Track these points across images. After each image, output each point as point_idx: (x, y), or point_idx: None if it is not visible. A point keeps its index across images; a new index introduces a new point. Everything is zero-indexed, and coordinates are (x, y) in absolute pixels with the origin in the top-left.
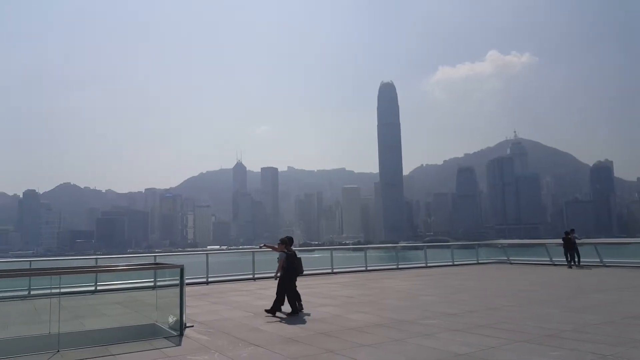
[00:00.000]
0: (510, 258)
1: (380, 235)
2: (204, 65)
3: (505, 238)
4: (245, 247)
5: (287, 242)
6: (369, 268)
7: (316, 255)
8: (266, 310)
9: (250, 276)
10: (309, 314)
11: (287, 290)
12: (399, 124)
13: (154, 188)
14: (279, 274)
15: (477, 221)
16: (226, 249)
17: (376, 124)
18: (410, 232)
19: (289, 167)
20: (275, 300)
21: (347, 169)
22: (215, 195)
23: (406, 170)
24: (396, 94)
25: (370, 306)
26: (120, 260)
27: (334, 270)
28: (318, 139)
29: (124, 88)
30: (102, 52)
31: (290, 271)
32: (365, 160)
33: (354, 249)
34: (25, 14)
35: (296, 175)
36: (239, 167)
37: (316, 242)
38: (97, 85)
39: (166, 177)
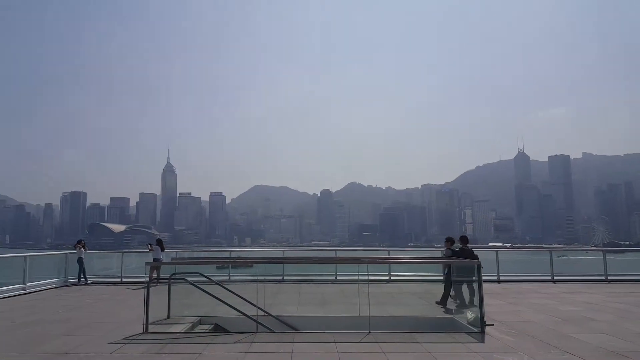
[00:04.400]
0: None
1: None
2: (488, 46)
3: None
4: (536, 245)
5: (452, 240)
6: None
7: (628, 257)
8: (437, 303)
9: (549, 278)
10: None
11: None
12: None
13: (429, 184)
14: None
15: None
16: (510, 247)
17: None
18: None
19: (584, 153)
20: (443, 294)
21: None
22: (495, 189)
23: None
24: None
25: None
26: (405, 253)
27: None
28: (628, 116)
29: (396, 91)
30: (383, 61)
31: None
32: None
33: None
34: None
35: (595, 162)
36: (521, 157)
37: (627, 242)
38: (377, 96)
39: (441, 172)
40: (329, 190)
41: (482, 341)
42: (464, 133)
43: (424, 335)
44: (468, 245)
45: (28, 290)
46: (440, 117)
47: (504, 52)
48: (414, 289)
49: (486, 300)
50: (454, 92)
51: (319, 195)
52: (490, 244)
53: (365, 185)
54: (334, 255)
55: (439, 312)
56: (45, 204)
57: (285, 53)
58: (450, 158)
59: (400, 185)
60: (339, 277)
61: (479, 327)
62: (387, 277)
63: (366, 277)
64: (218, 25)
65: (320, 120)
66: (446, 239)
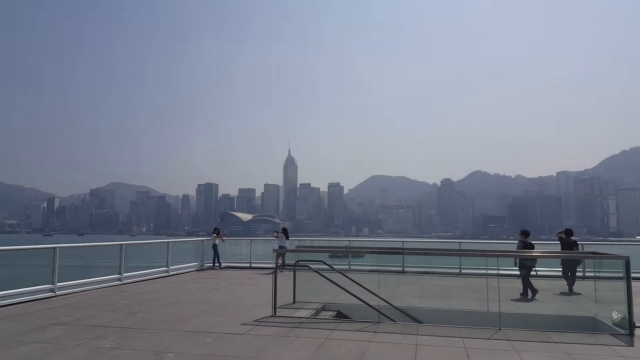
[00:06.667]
0: None
1: None
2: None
3: None
4: None
5: (527, 233)
6: None
7: None
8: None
9: None
10: None
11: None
12: None
13: (566, 171)
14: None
15: None
16: None
17: None
18: None
19: None
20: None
21: None
22: None
23: None
24: None
25: None
26: (537, 247)
27: None
28: None
29: (528, 70)
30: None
31: (525, 259)
32: None
33: None
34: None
35: None
36: None
37: None
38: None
39: (580, 158)
40: (450, 179)
41: (631, 344)
42: (607, 113)
43: (561, 334)
44: (572, 237)
45: (170, 273)
46: (579, 97)
47: None
48: (548, 285)
49: (635, 299)
50: (595, 67)
51: (439, 184)
52: (637, 237)
53: (492, 173)
54: (458, 248)
55: (579, 311)
56: (183, 195)
57: (402, 39)
58: (591, 142)
59: (531, 173)
60: (463, 271)
61: (627, 329)
62: (517, 272)
63: (496, 272)
64: (330, 13)
65: (438, 106)
66: (521, 231)
